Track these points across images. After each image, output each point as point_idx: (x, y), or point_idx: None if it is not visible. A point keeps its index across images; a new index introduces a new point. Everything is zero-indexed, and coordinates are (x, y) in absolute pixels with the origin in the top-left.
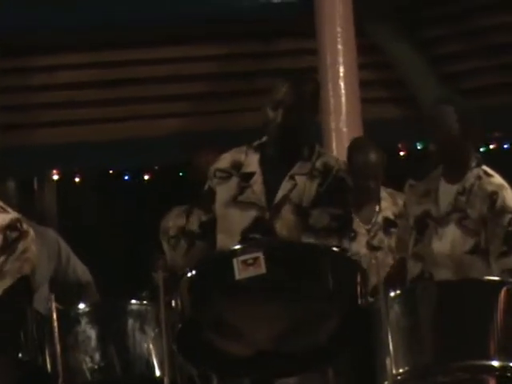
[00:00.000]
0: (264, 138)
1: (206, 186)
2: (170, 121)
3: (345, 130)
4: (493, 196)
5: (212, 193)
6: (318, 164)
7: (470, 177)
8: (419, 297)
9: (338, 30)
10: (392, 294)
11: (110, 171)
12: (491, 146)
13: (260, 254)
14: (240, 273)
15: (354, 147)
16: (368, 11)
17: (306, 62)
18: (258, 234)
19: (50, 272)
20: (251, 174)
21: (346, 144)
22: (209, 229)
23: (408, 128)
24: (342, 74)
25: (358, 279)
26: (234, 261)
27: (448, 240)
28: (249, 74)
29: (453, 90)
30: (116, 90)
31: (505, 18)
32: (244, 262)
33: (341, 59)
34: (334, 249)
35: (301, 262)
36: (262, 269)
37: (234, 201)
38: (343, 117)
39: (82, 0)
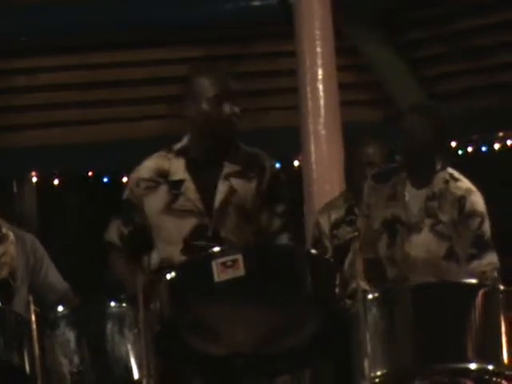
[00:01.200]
0: (185, 141)
1: (125, 197)
2: (149, 123)
3: (323, 132)
4: (461, 200)
5: (132, 204)
6: (251, 165)
7: (438, 181)
8: (397, 299)
9: (317, 32)
10: (370, 296)
11: (89, 173)
12: (469, 149)
13: (239, 256)
14: (219, 275)
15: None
16: (348, 14)
17: (284, 64)
18: (202, 240)
19: (28, 274)
20: (180, 182)
21: (325, 146)
22: (128, 241)
23: (387, 130)
24: (320, 77)
25: (337, 281)
26: (213, 263)
27: (423, 246)
28: None
29: (432, 93)
30: (95, 92)
31: (485, 20)
32: (223, 264)
33: (319, 61)
34: (313, 251)
35: (279, 265)
36: (240, 271)
37: (168, 209)
38: (322, 119)
39: (59, 3)
